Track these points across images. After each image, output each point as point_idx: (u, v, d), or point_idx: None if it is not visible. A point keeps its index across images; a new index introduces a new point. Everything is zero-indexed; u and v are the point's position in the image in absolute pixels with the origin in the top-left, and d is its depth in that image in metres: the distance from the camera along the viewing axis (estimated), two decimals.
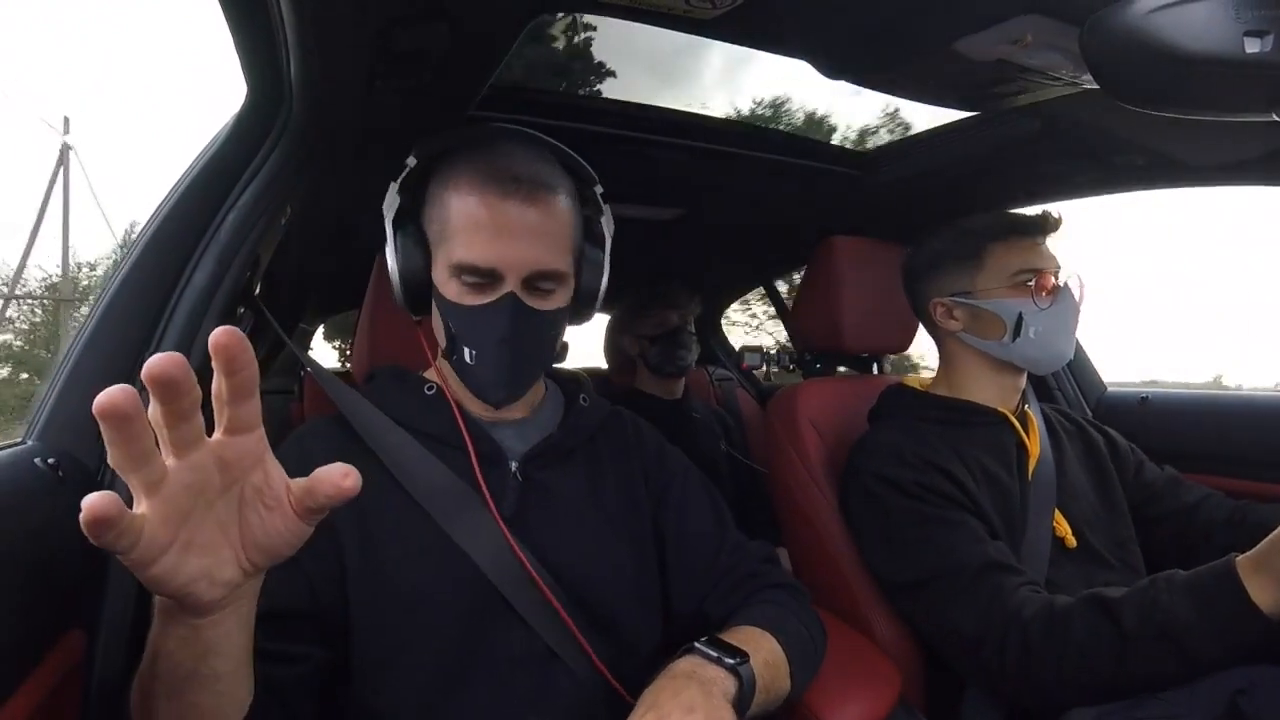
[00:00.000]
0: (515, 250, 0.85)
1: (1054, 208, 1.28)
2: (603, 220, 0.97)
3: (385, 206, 0.93)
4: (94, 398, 0.38)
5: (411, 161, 0.92)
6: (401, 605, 0.82)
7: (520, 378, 0.92)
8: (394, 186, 0.92)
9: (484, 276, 0.86)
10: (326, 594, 0.81)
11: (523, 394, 0.95)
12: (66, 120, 20.93)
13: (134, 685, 0.63)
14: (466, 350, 0.89)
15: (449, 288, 0.88)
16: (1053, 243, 1.27)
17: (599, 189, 0.98)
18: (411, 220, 0.92)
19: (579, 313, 0.98)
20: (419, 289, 0.92)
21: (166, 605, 0.54)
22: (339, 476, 0.52)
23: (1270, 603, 0.82)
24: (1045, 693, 1.00)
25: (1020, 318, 1.22)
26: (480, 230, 0.85)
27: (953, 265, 1.30)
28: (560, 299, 0.91)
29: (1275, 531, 0.84)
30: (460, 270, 0.86)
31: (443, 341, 0.92)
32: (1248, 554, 0.87)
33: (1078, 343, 1.89)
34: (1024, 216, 1.27)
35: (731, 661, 0.76)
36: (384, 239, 0.93)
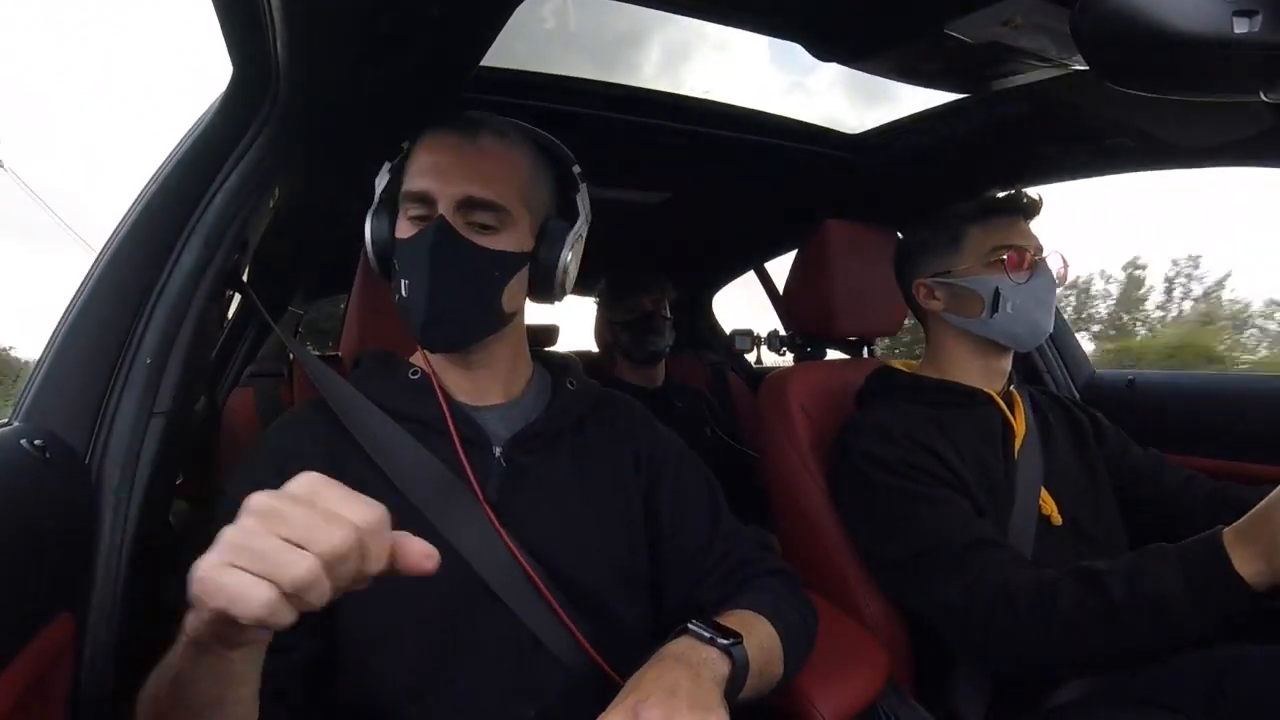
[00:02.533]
0: (450, 175, 0.88)
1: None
2: (578, 198, 0.98)
3: (376, 182, 0.95)
4: (80, 378, 0.38)
5: (406, 145, 0.94)
6: (383, 593, 0.82)
7: (444, 311, 0.89)
8: (387, 165, 0.96)
9: (421, 203, 0.88)
10: None
11: (456, 339, 0.92)
12: None
13: (143, 699, 0.64)
14: (402, 283, 0.89)
15: (401, 227, 0.91)
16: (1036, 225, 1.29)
17: (576, 168, 0.98)
18: (391, 193, 0.95)
19: (541, 287, 0.96)
20: (382, 251, 0.93)
21: (200, 637, 0.53)
22: (421, 558, 0.55)
23: (1254, 573, 0.83)
24: (1032, 663, 1.01)
25: (997, 293, 1.24)
26: (424, 160, 0.89)
27: (935, 248, 1.33)
28: (505, 241, 0.90)
29: (1261, 503, 0.85)
30: (404, 201, 0.90)
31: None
32: (1233, 525, 0.88)
33: (1065, 325, 1.92)
34: (999, 198, 1.29)
35: (725, 642, 0.76)
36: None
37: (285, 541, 0.49)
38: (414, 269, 0.87)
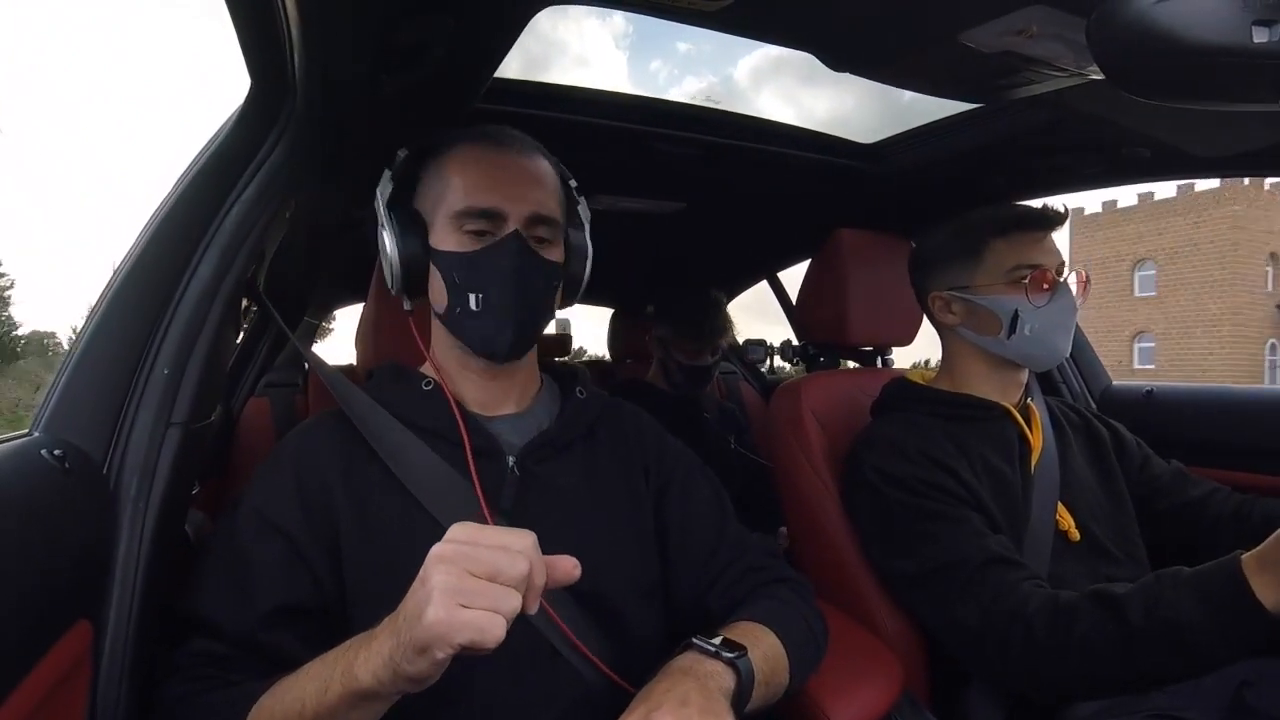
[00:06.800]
0: (516, 191, 0.90)
1: (1056, 201, 1.28)
2: (579, 209, 1.01)
3: (379, 192, 0.95)
4: (98, 389, 0.38)
5: (403, 152, 0.96)
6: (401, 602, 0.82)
7: (525, 323, 0.92)
8: (387, 174, 0.96)
9: (487, 218, 0.89)
10: (331, 593, 0.83)
11: (525, 349, 0.95)
12: None
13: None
14: (472, 297, 0.89)
15: (449, 241, 0.91)
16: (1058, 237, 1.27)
17: (573, 182, 1.01)
18: (403, 203, 0.95)
19: (569, 295, 1.01)
20: (414, 265, 0.92)
21: (385, 688, 0.64)
22: (571, 568, 0.65)
23: (1275, 601, 0.82)
24: (1049, 687, 1.00)
25: (1016, 315, 1.21)
26: (482, 176, 0.90)
27: (954, 259, 1.30)
28: (556, 254, 0.95)
29: (1279, 530, 0.84)
30: (463, 217, 0.90)
31: (444, 303, 0.92)
32: (1252, 552, 0.86)
33: (1083, 336, 1.90)
34: (1026, 211, 1.26)
35: (730, 655, 0.77)
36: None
37: (482, 579, 0.59)
38: (490, 281, 0.89)
